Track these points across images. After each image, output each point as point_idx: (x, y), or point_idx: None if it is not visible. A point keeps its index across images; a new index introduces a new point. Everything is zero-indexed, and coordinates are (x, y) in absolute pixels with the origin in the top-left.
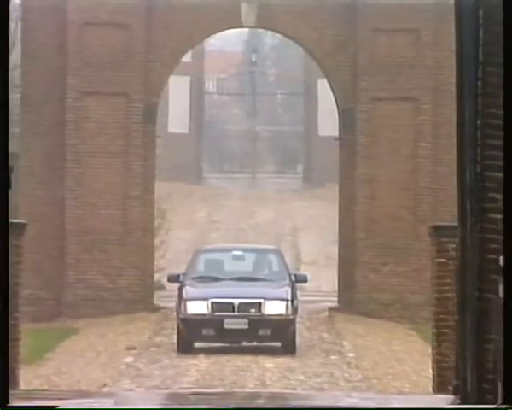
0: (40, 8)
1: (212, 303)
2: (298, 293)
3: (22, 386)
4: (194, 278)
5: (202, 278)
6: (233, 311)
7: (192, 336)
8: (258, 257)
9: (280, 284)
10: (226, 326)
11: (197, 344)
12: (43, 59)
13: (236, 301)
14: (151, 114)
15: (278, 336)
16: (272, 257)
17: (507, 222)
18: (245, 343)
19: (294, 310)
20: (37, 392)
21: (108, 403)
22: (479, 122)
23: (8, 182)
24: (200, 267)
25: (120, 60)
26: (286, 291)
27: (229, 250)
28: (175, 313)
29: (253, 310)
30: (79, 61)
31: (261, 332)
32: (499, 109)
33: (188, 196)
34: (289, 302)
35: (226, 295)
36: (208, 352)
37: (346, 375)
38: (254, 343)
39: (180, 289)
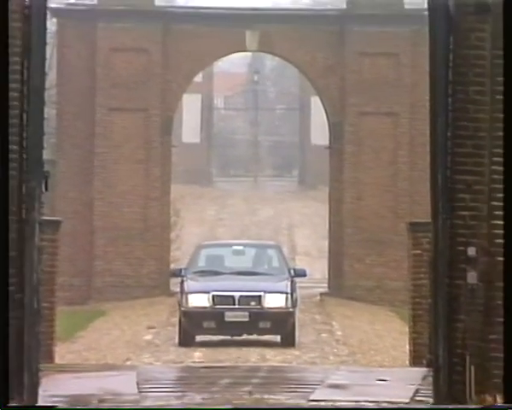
0: (73, 36)
1: (213, 296)
2: (297, 287)
3: (57, 360)
4: (195, 273)
5: (203, 273)
6: (233, 304)
7: (193, 328)
8: (258, 252)
9: (279, 278)
10: (227, 319)
11: (198, 338)
12: (75, 80)
13: (237, 294)
14: (167, 126)
15: (278, 329)
16: (272, 252)
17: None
18: (246, 336)
19: (294, 303)
20: (70, 366)
21: (131, 375)
22: (449, 133)
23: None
24: (202, 262)
25: (141, 80)
26: (285, 285)
27: (230, 245)
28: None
29: (253, 303)
30: (107, 82)
31: (261, 325)
32: (467, 122)
33: (199, 196)
34: (289, 295)
35: (227, 288)
36: (210, 345)
37: (335, 350)
38: (254, 336)
39: (182, 283)
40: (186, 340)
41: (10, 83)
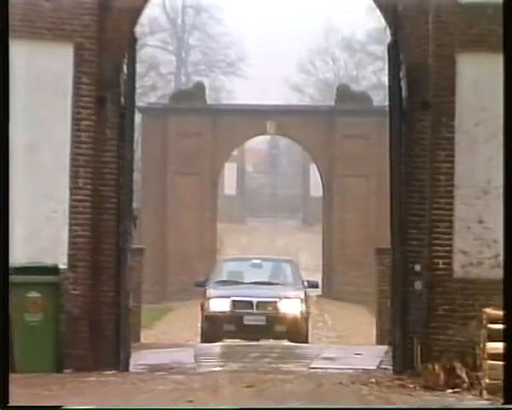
0: (152, 125)
1: (233, 301)
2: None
3: (142, 341)
4: (217, 282)
5: (224, 282)
6: (252, 308)
7: (215, 330)
8: (275, 266)
9: (294, 287)
10: (245, 322)
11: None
12: (153, 154)
13: (255, 300)
14: (214, 184)
15: (293, 333)
16: (287, 266)
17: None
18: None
19: (307, 310)
20: (150, 345)
21: (190, 351)
22: (402, 189)
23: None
24: (223, 274)
25: (198, 154)
26: (300, 293)
27: (249, 260)
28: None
29: (269, 308)
30: (174, 155)
31: (277, 328)
32: (414, 181)
33: (236, 231)
34: (303, 302)
35: (246, 294)
36: None
37: (327, 334)
38: (271, 341)
39: (205, 291)
40: (208, 342)
41: (111, 158)
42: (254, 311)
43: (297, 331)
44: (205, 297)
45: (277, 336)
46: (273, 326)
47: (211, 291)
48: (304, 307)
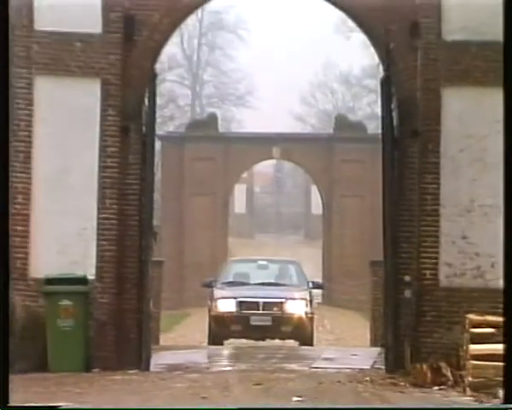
0: (170, 151)
1: (240, 302)
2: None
3: (161, 343)
4: (224, 283)
5: (231, 283)
6: (258, 309)
7: (222, 331)
8: (281, 267)
9: (300, 288)
10: (252, 323)
11: (225, 342)
12: (171, 177)
13: (261, 301)
14: (226, 203)
15: (298, 333)
16: (292, 267)
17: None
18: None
19: (312, 311)
20: (169, 346)
21: (204, 352)
22: (394, 208)
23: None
24: (230, 275)
25: (211, 177)
26: (305, 294)
27: (255, 261)
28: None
29: (275, 309)
30: (190, 178)
31: (283, 329)
32: (405, 201)
33: (245, 245)
34: (308, 303)
35: (252, 295)
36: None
37: (326, 337)
38: (276, 341)
39: (212, 292)
40: (215, 342)
41: (134, 180)
42: (261, 311)
43: (302, 332)
44: (211, 298)
45: (283, 336)
46: (279, 327)
47: (218, 292)
48: (309, 308)
